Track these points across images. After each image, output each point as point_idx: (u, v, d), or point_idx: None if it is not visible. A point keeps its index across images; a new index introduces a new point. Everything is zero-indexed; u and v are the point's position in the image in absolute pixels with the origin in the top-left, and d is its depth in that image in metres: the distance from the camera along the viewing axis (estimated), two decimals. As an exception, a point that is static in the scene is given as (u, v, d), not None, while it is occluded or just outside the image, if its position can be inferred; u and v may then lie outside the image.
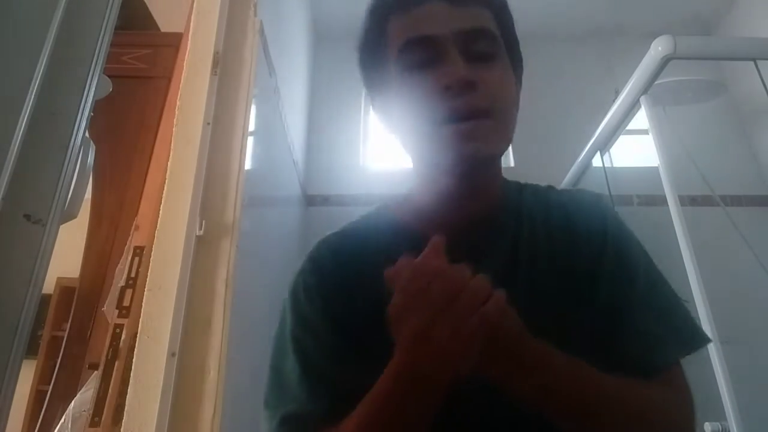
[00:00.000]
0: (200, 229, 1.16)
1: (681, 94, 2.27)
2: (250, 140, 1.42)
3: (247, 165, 1.35)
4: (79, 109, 0.60)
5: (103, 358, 1.09)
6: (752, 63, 1.81)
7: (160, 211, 1.14)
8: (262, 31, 1.58)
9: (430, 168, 0.63)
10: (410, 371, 0.48)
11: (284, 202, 2.27)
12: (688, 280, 1.51)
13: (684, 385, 0.59)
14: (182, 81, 1.26)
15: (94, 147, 1.42)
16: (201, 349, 1.09)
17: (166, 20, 1.90)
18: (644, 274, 0.63)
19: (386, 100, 0.64)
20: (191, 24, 1.33)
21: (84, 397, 1.16)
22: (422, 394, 0.49)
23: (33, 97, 0.53)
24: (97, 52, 0.63)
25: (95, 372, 1.11)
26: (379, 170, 2.92)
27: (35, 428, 1.33)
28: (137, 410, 0.98)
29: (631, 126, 2.17)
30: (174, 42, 1.49)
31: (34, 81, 0.54)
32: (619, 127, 2.16)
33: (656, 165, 1.77)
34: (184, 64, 1.28)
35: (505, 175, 0.70)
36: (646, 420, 0.54)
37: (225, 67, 1.33)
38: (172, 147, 1.19)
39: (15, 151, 0.51)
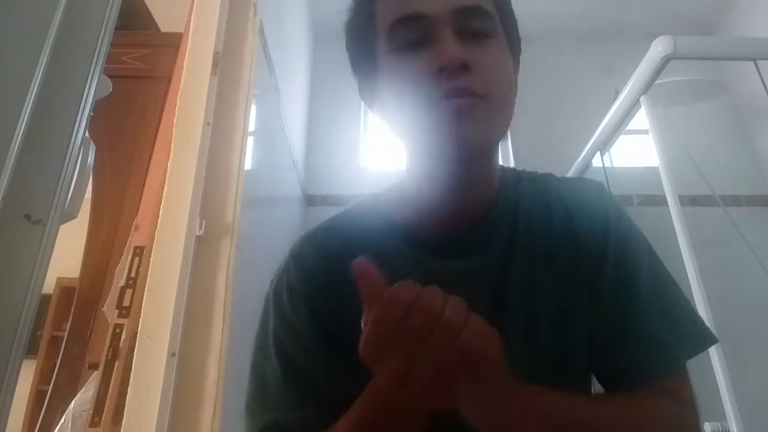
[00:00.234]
0: (200, 229, 1.16)
1: (681, 94, 2.27)
2: (250, 140, 1.42)
3: (247, 165, 1.35)
4: (79, 109, 0.60)
5: (103, 358, 1.09)
6: (752, 63, 1.81)
7: (160, 211, 1.14)
8: (262, 31, 1.58)
9: (424, 158, 0.59)
10: (388, 406, 0.46)
11: (284, 202, 2.27)
12: (688, 280, 1.51)
13: (688, 394, 0.56)
14: (182, 81, 1.26)
15: (94, 147, 1.42)
16: (201, 349, 1.09)
17: (166, 20, 1.90)
18: (647, 273, 0.59)
19: (375, 84, 0.60)
20: (191, 24, 1.33)
21: (84, 397, 1.16)
22: (402, 423, 0.47)
23: (33, 97, 0.53)
24: (97, 52, 0.63)
25: (95, 372, 1.11)
26: (379, 170, 2.92)
27: (35, 428, 1.33)
28: (137, 410, 0.98)
29: (631, 126, 2.17)
30: (174, 42, 1.49)
31: (34, 81, 0.54)
32: (619, 127, 2.16)
33: (656, 165, 1.77)
34: (184, 64, 1.28)
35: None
36: None
37: (225, 67, 1.33)
38: (172, 147, 1.19)
39: (15, 151, 0.51)
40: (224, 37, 1.34)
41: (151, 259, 1.10)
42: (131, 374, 1.01)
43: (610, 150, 2.35)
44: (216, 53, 1.30)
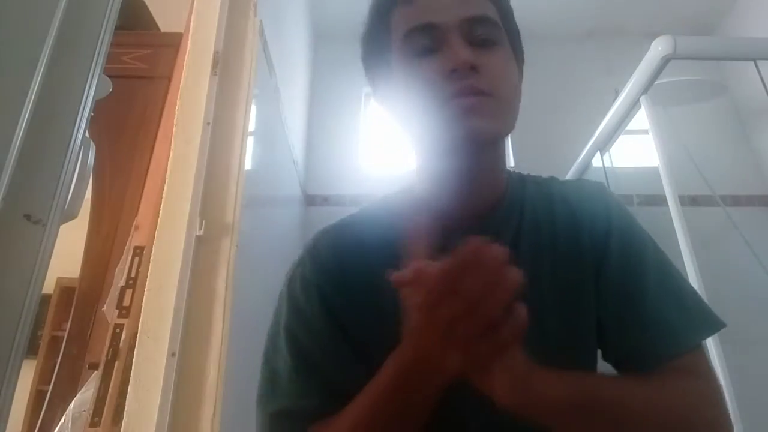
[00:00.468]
0: (200, 229, 1.16)
1: (681, 94, 2.27)
2: (250, 140, 1.42)
3: (247, 165, 1.35)
4: (79, 109, 0.60)
5: (103, 358, 1.09)
6: (752, 63, 1.81)
7: (160, 211, 1.14)
8: (262, 31, 1.58)
9: (436, 155, 0.63)
10: (421, 367, 0.47)
11: (284, 202, 2.27)
12: (688, 280, 1.51)
13: (705, 367, 0.58)
14: (182, 81, 1.26)
15: (94, 147, 1.41)
16: (201, 349, 1.09)
17: (166, 20, 1.90)
18: (653, 261, 0.62)
19: (389, 88, 0.65)
20: (191, 24, 1.33)
21: (84, 397, 1.16)
22: (428, 389, 0.48)
23: (33, 97, 0.53)
24: (97, 52, 0.63)
25: (95, 372, 1.11)
26: (379, 170, 2.92)
27: (35, 428, 1.33)
28: (137, 410, 0.98)
29: (631, 126, 2.17)
30: (174, 42, 1.49)
31: (34, 81, 0.54)
32: (619, 127, 2.16)
33: (656, 165, 1.78)
34: (184, 64, 1.28)
35: (506, 174, 0.68)
36: (660, 414, 0.52)
37: (225, 67, 1.33)
38: (172, 147, 1.19)
39: (15, 151, 0.51)
40: (224, 37, 1.34)
41: (151, 259, 1.10)
42: (131, 374, 1.01)
43: (610, 150, 2.36)
44: (216, 53, 1.30)
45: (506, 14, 0.65)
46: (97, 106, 0.68)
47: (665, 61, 1.73)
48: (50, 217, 0.54)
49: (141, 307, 1.06)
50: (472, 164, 0.61)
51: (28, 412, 2.28)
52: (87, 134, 0.70)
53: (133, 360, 1.02)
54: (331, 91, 3.08)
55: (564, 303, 0.60)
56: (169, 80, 1.44)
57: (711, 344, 1.42)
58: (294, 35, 2.52)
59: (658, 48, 1.73)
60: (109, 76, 1.42)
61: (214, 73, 1.28)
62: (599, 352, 0.63)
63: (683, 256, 1.56)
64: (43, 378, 2.85)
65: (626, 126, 2.15)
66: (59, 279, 3.01)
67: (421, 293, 0.43)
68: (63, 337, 1.47)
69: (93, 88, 0.62)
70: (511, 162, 2.84)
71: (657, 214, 1.72)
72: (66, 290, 3.00)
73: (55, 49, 0.57)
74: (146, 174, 1.33)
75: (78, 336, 1.39)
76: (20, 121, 0.52)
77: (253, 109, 1.45)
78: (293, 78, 2.48)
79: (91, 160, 1.20)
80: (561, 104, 2.94)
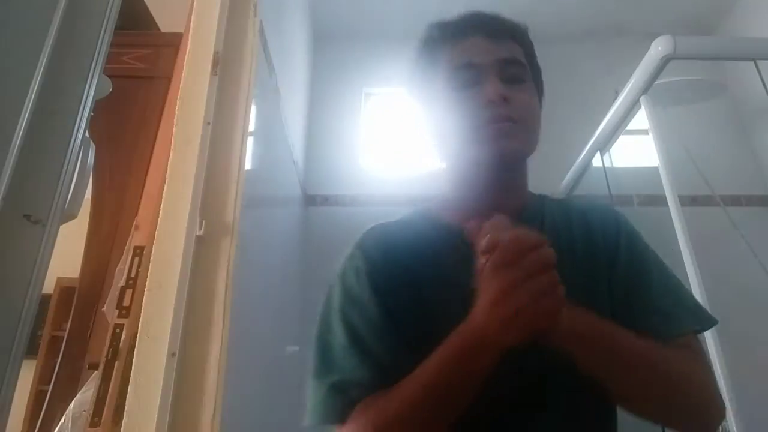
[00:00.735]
0: (200, 229, 1.16)
1: (681, 94, 2.27)
2: (250, 140, 1.42)
3: (247, 165, 1.35)
4: (79, 109, 0.60)
5: (103, 358, 1.09)
6: (752, 63, 1.81)
7: (160, 211, 1.14)
8: (262, 31, 1.58)
9: (471, 166, 0.75)
10: (485, 334, 0.54)
11: (284, 202, 2.27)
12: (688, 280, 1.51)
13: (699, 348, 0.69)
14: (182, 81, 1.26)
15: (94, 147, 1.42)
16: (201, 349, 1.09)
17: (166, 20, 1.90)
18: (654, 262, 0.74)
19: (433, 112, 0.78)
20: (191, 24, 1.33)
21: (84, 397, 1.17)
22: (485, 359, 0.55)
23: (33, 97, 0.53)
24: (97, 52, 0.63)
25: (95, 372, 1.11)
26: (379, 170, 2.92)
27: (35, 428, 1.33)
28: (137, 410, 0.98)
29: (631, 126, 2.17)
30: (174, 42, 1.49)
31: (34, 81, 0.54)
32: (619, 127, 2.16)
33: (656, 165, 1.77)
34: (184, 64, 1.28)
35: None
36: (674, 373, 0.63)
37: (225, 67, 1.33)
38: (172, 147, 1.19)
39: (15, 151, 0.51)
40: (224, 37, 1.34)
41: (151, 259, 1.10)
42: (131, 374, 1.01)
43: (610, 150, 2.35)
44: (216, 53, 1.29)
45: (531, 56, 0.79)
46: (97, 106, 0.68)
47: (665, 61, 1.73)
48: (50, 217, 0.54)
49: (141, 307, 1.06)
50: (500, 176, 0.74)
51: (28, 412, 2.28)
52: (87, 134, 0.70)
53: (133, 360, 1.02)
54: (331, 91, 3.08)
55: (581, 305, 0.63)
56: (169, 80, 1.44)
57: (711, 344, 1.42)
58: (294, 35, 2.52)
59: (658, 48, 1.73)
60: (109, 76, 1.42)
61: (214, 73, 1.28)
62: None
63: (683, 255, 1.56)
64: (43, 378, 2.84)
65: (626, 126, 2.15)
66: (59, 279, 3.01)
67: (498, 251, 0.52)
68: (63, 337, 1.47)
69: (93, 88, 0.62)
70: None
71: (657, 214, 1.72)
72: (66, 290, 3.00)
73: (55, 49, 0.57)
74: (146, 174, 1.33)
75: (78, 336, 1.39)
76: (20, 121, 0.52)
77: (253, 109, 1.45)
78: (293, 78, 2.48)
79: (91, 159, 1.21)
80: (561, 104, 2.93)
